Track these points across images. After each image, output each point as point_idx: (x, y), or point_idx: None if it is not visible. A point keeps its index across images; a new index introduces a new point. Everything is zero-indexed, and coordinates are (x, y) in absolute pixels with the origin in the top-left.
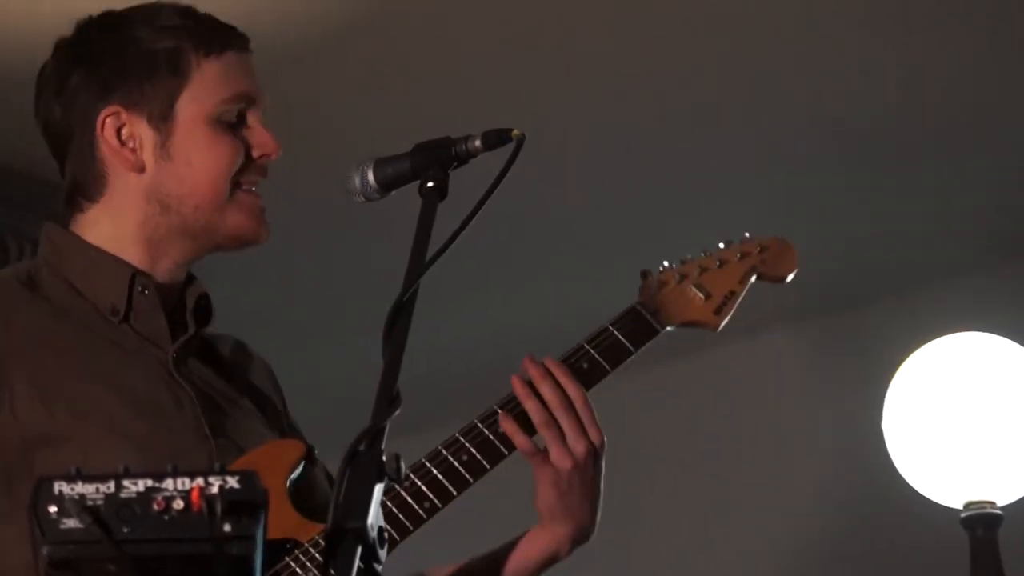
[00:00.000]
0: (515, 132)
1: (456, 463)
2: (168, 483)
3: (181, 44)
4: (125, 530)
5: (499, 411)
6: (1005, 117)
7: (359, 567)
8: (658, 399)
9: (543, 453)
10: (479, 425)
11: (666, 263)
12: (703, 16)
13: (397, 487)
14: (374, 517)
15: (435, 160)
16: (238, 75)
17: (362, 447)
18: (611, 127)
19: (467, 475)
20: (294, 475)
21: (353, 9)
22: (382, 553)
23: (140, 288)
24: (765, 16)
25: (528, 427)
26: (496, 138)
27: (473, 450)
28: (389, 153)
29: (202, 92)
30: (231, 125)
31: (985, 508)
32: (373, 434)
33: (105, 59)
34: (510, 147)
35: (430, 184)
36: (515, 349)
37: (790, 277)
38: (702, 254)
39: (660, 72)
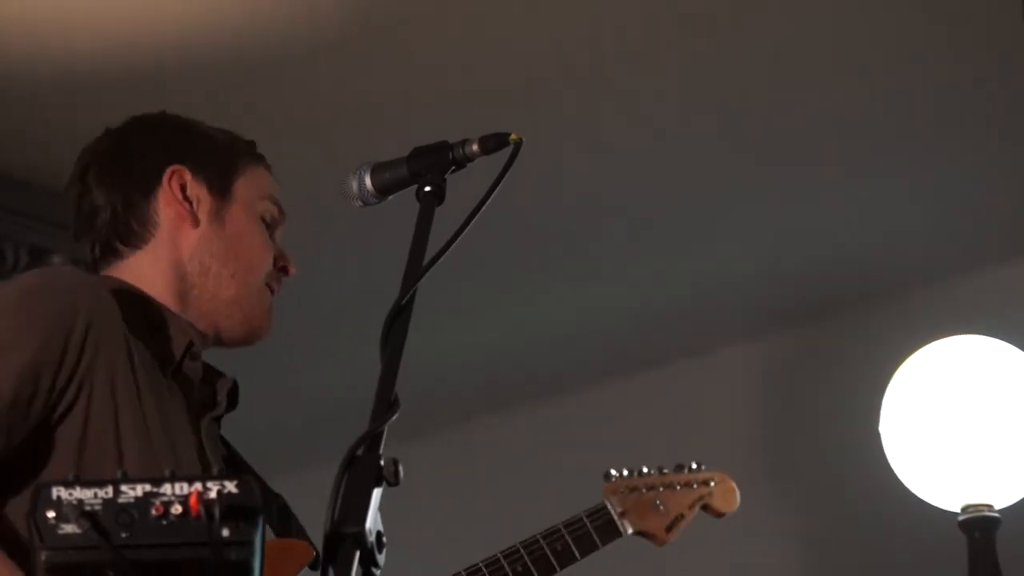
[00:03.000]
0: (513, 136)
1: None
2: (166, 488)
3: (236, 141)
4: (123, 535)
5: None
6: (1008, 116)
7: (357, 571)
8: (658, 401)
9: None
10: None
11: (625, 471)
12: (706, 19)
13: None
14: (372, 521)
15: (432, 164)
16: (276, 189)
17: (360, 451)
18: (612, 132)
19: None
20: None
21: (352, 13)
22: (380, 557)
23: (193, 355)
24: (763, 23)
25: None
26: (494, 142)
27: None
28: (387, 158)
29: (252, 184)
30: (267, 226)
31: (982, 511)
32: (371, 438)
33: (169, 132)
34: (508, 151)
35: (427, 189)
36: (514, 354)
37: (731, 513)
38: (662, 471)
39: (664, 75)
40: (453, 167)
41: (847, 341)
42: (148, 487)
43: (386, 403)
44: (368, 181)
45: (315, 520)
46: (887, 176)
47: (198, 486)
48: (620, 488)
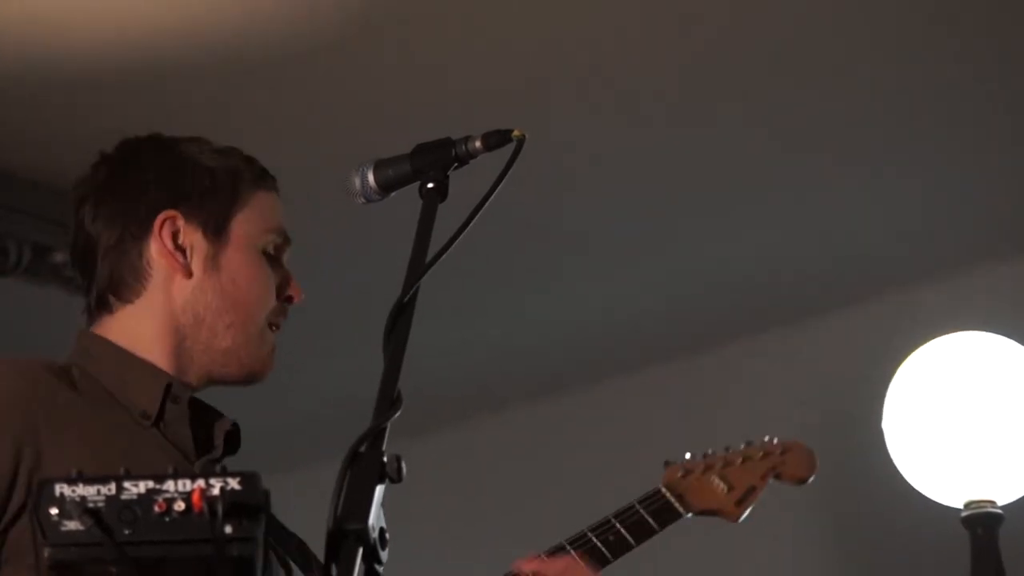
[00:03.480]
0: (516, 132)
1: None
2: (169, 485)
3: (240, 168)
4: (126, 532)
5: None
6: (1008, 114)
7: (360, 568)
8: (659, 398)
9: None
10: None
11: (688, 455)
12: (707, 18)
13: None
14: (375, 518)
15: (435, 161)
16: (279, 212)
17: (363, 448)
18: (615, 132)
19: None
20: None
21: (352, 13)
22: (383, 554)
23: (174, 398)
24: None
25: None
26: (497, 139)
27: None
28: (390, 154)
29: (254, 217)
30: (270, 258)
31: (985, 507)
32: (374, 435)
33: (162, 167)
34: (511, 148)
35: (430, 185)
36: (515, 352)
37: (809, 480)
38: (725, 450)
39: (664, 75)
40: (456, 164)
41: (849, 338)
42: (151, 484)
43: (389, 400)
44: (371, 178)
45: (316, 519)
46: (888, 175)
47: (201, 483)
48: (677, 472)
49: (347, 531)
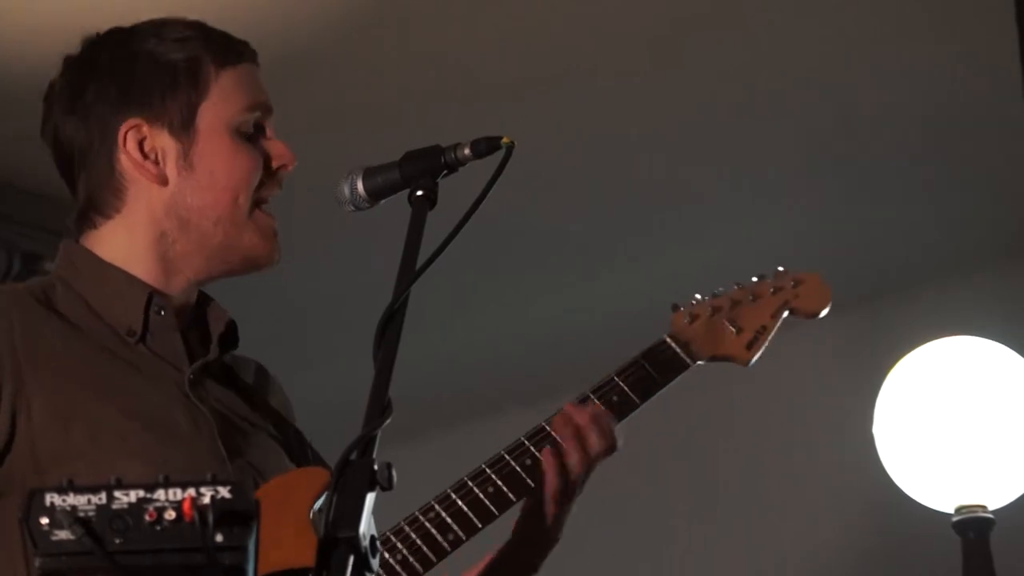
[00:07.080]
0: (505, 140)
1: (482, 495)
2: (160, 494)
3: (198, 55)
4: (117, 541)
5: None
6: (1003, 118)
7: None
8: (655, 403)
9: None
10: (506, 457)
11: (698, 296)
12: (696, 17)
13: (422, 518)
14: (366, 526)
15: (424, 168)
16: (254, 86)
17: (354, 456)
18: (604, 134)
19: (493, 508)
20: (319, 503)
21: (352, 13)
22: (374, 562)
23: (157, 309)
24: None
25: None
26: (486, 146)
27: (500, 482)
28: (387, 158)
29: (222, 101)
30: (249, 136)
31: (977, 512)
32: (365, 443)
33: (120, 72)
34: (500, 155)
35: (419, 193)
36: (509, 356)
37: (823, 313)
38: (735, 287)
39: (651, 79)
40: (445, 171)
41: (840, 343)
42: (142, 493)
43: (379, 407)
44: (360, 186)
45: None
46: (883, 179)
47: (192, 491)
48: (683, 319)
49: (338, 539)
